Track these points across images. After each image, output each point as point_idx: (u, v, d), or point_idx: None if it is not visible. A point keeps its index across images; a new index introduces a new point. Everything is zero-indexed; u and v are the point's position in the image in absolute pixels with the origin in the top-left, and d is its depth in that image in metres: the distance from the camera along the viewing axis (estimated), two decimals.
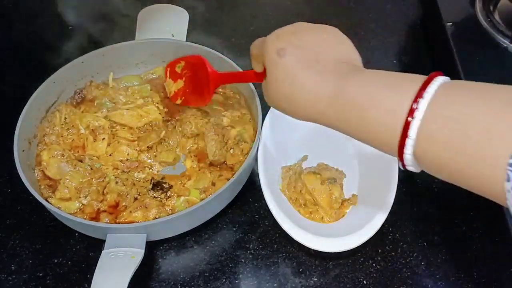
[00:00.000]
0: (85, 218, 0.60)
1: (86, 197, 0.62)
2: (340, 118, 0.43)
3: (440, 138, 0.36)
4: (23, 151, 0.64)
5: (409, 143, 0.37)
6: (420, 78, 0.38)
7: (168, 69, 0.74)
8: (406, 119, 0.37)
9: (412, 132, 0.37)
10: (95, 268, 0.54)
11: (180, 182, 0.65)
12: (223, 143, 0.67)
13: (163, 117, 0.71)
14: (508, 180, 0.32)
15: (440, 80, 0.37)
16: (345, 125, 0.43)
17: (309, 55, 0.45)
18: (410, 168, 0.40)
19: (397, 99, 0.38)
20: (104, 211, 0.62)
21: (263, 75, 0.51)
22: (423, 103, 0.36)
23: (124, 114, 0.69)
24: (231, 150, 0.67)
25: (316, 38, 0.46)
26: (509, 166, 0.32)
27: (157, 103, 0.72)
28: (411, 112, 0.37)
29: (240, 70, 0.70)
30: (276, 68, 0.46)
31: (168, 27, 0.79)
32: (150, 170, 0.66)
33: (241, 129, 0.69)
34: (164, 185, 0.65)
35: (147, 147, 0.67)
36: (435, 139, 0.36)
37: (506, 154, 0.32)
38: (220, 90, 0.75)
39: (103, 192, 0.64)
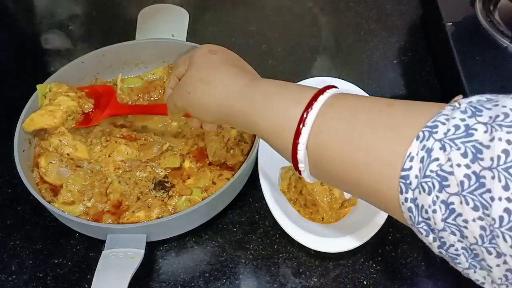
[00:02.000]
0: (89, 220, 0.60)
1: (90, 199, 0.62)
2: (247, 102, 0.45)
3: (331, 126, 0.38)
4: (24, 151, 0.64)
5: (305, 131, 0.39)
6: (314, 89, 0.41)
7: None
8: (306, 109, 0.39)
9: (309, 120, 0.39)
10: (95, 269, 0.54)
11: (181, 181, 0.65)
12: (223, 144, 0.67)
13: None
14: (402, 193, 0.32)
15: (330, 92, 0.40)
16: (249, 110, 0.45)
17: (234, 61, 0.52)
18: (301, 166, 0.41)
19: (301, 92, 0.41)
20: (108, 211, 0.62)
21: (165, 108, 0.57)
22: (321, 98, 0.39)
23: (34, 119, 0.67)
24: (231, 150, 0.67)
25: (238, 57, 0.54)
26: (401, 178, 0.32)
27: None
28: (310, 102, 0.39)
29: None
30: (203, 57, 0.50)
31: (168, 27, 0.79)
32: (152, 169, 0.66)
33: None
34: (166, 184, 0.65)
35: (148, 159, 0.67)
36: (327, 127, 0.38)
37: (396, 174, 0.32)
38: None
39: (106, 193, 0.64)
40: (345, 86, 0.71)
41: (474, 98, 0.32)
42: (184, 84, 0.51)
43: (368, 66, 0.85)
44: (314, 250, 0.59)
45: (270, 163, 0.65)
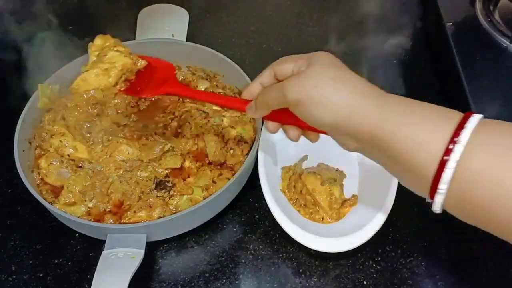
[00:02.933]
0: (90, 220, 0.60)
1: (91, 199, 0.62)
2: (376, 117, 0.41)
3: (481, 168, 0.34)
4: (23, 151, 0.64)
5: (448, 172, 0.35)
6: (454, 116, 0.37)
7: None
8: (448, 145, 0.35)
9: (453, 157, 0.35)
10: (95, 269, 0.54)
11: (182, 180, 0.65)
12: (223, 144, 0.67)
13: (133, 61, 0.67)
14: None
15: (475, 119, 0.36)
16: (377, 122, 0.41)
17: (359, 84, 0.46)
18: (437, 202, 0.39)
19: (436, 121, 0.37)
20: (109, 211, 0.62)
21: (244, 102, 0.52)
22: (466, 131, 0.35)
23: (87, 79, 0.64)
24: (231, 150, 0.67)
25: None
26: None
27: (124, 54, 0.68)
28: (452, 138, 0.35)
29: (239, 68, 0.70)
30: (333, 59, 0.46)
31: (168, 27, 0.79)
32: (153, 168, 0.66)
33: (241, 129, 0.69)
34: (167, 183, 0.65)
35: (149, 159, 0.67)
36: (476, 168, 0.34)
37: None
38: (220, 90, 0.75)
39: (107, 193, 0.64)
40: None
41: None
42: (306, 77, 0.44)
43: (368, 66, 0.85)
44: (314, 250, 0.59)
45: (270, 163, 0.65)
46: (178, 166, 0.66)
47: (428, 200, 0.39)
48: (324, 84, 0.43)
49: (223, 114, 0.70)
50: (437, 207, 0.39)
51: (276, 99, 0.47)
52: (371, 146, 0.42)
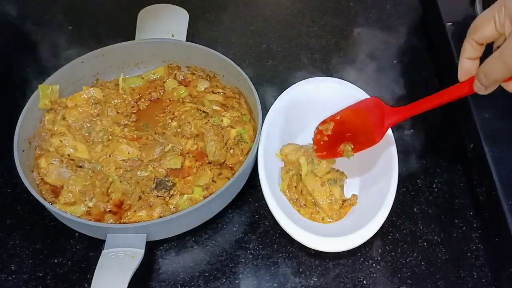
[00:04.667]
0: (90, 220, 0.60)
1: (91, 199, 0.62)
2: None
3: None
4: (23, 151, 0.64)
5: None
6: None
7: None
8: None
9: None
10: (95, 268, 0.54)
11: (182, 179, 0.65)
12: (223, 144, 0.67)
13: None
14: None
15: None
16: None
17: None
18: None
19: None
20: (109, 211, 0.62)
21: (467, 84, 0.48)
22: None
23: None
24: (231, 150, 0.67)
25: None
26: None
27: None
28: None
29: (239, 68, 0.70)
30: None
31: (168, 27, 0.79)
32: (153, 168, 0.66)
33: (241, 129, 0.69)
34: (167, 183, 0.65)
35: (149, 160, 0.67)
36: None
37: None
38: (220, 90, 0.75)
39: (107, 192, 0.64)
40: (345, 86, 0.71)
41: None
42: None
43: (368, 66, 0.85)
44: (314, 250, 0.59)
45: (270, 163, 0.65)
46: (179, 166, 0.66)
47: None
48: None
49: (222, 114, 0.70)
50: None
51: (503, 71, 0.43)
52: None
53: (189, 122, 0.69)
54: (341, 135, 0.65)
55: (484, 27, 0.44)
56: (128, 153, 0.67)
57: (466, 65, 0.48)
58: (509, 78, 0.46)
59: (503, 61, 0.43)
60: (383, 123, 0.59)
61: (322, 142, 0.67)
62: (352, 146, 0.63)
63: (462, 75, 0.49)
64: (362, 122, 0.63)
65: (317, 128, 0.69)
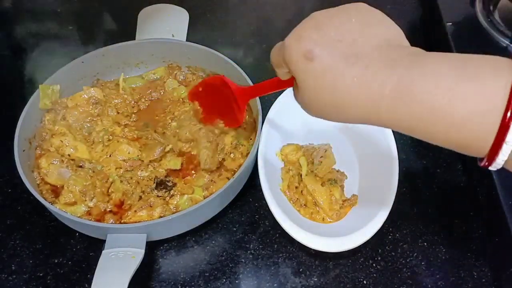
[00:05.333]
0: (91, 220, 0.60)
1: (92, 199, 0.62)
2: (403, 118, 0.34)
3: None
4: (24, 151, 0.64)
5: (506, 148, 0.31)
6: (503, 64, 0.32)
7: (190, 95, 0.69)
8: (504, 120, 0.31)
9: (509, 137, 0.31)
10: (95, 268, 0.54)
11: (182, 179, 0.65)
12: (217, 151, 0.67)
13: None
14: None
15: None
16: (409, 125, 0.35)
17: (344, 49, 0.36)
18: (494, 167, 0.34)
19: (485, 94, 0.31)
20: (110, 211, 0.62)
21: (292, 80, 0.43)
22: None
23: None
24: (231, 154, 0.67)
25: (345, 26, 0.37)
26: None
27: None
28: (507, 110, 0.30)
29: (239, 68, 0.70)
30: (308, 75, 0.37)
31: (168, 27, 0.79)
32: (153, 168, 0.66)
33: (235, 133, 0.68)
34: (167, 183, 0.65)
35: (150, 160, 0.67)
36: None
37: None
38: None
39: (107, 192, 0.64)
40: None
41: None
42: (309, 111, 0.40)
43: None
44: (314, 250, 0.59)
45: (270, 163, 0.65)
46: (178, 167, 0.66)
47: (480, 161, 0.35)
48: (329, 115, 0.39)
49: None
50: (497, 166, 0.34)
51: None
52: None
53: (184, 126, 0.69)
54: (210, 105, 0.65)
55: (279, 68, 0.44)
56: (129, 153, 0.67)
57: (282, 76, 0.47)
58: None
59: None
60: (236, 102, 0.58)
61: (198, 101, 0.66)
62: (223, 122, 0.65)
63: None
64: (219, 99, 0.62)
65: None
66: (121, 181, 0.64)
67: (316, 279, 0.60)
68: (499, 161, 0.33)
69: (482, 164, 0.34)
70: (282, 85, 0.50)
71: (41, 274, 0.61)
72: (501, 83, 0.31)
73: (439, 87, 0.32)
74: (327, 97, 0.37)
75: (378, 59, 0.35)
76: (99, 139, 0.68)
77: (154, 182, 0.65)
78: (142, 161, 0.67)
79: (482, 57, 0.33)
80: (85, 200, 0.62)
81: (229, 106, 0.60)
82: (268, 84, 0.53)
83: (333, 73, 0.36)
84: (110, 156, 0.67)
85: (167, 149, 0.67)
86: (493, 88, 0.31)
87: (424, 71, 0.33)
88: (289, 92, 0.70)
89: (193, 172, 0.66)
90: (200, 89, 0.66)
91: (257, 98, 0.67)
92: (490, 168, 0.34)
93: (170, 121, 0.72)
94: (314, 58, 0.36)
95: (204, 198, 0.61)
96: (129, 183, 0.64)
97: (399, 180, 0.62)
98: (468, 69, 0.32)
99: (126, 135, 0.69)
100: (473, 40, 0.77)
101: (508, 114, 0.30)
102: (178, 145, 0.68)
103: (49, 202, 0.60)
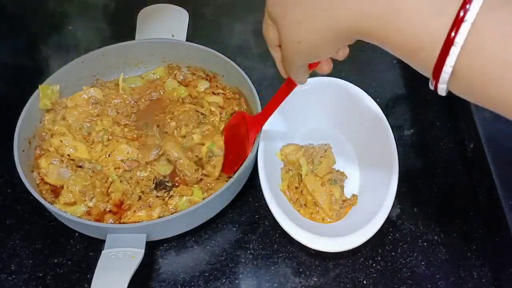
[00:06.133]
0: (90, 220, 0.60)
1: (91, 199, 0.62)
2: (367, 13, 0.37)
3: (494, 45, 0.31)
4: (23, 151, 0.64)
5: (454, 51, 0.32)
6: None
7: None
8: (453, 23, 0.32)
9: (460, 38, 0.31)
10: (95, 268, 0.54)
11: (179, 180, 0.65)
12: (195, 166, 0.66)
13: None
14: None
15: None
16: (371, 22, 0.37)
17: None
18: (442, 86, 0.36)
19: (439, 5, 0.33)
20: (109, 211, 0.62)
21: (290, 81, 0.53)
22: (474, 5, 0.31)
23: None
24: (204, 169, 0.66)
25: None
26: None
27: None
28: (459, 12, 0.31)
29: (239, 68, 0.70)
30: (283, 5, 0.42)
31: (168, 27, 0.79)
32: (152, 168, 0.66)
33: (211, 144, 0.67)
34: (167, 183, 0.65)
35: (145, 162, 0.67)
36: (488, 46, 0.31)
37: None
38: (220, 91, 0.75)
39: (107, 192, 0.64)
40: (345, 87, 0.71)
41: None
42: (287, 38, 0.43)
43: (368, 66, 0.85)
44: (314, 250, 0.59)
45: (270, 163, 0.65)
46: (168, 173, 0.66)
47: (431, 84, 0.37)
48: (304, 33, 0.41)
49: (193, 131, 0.69)
50: (442, 91, 0.36)
51: (297, 67, 0.48)
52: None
53: (180, 129, 0.69)
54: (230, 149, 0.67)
55: (268, 33, 0.47)
56: (127, 153, 0.67)
57: (281, 68, 0.52)
58: (312, 65, 0.50)
59: (288, 65, 0.47)
60: (248, 134, 0.64)
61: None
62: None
63: (284, 75, 0.53)
64: (235, 139, 0.67)
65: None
66: (120, 181, 0.64)
67: (316, 279, 0.60)
68: (447, 69, 0.33)
69: (431, 81, 0.36)
70: (287, 89, 0.57)
71: (40, 274, 0.61)
72: None
73: (389, 4, 0.35)
74: (301, 8, 0.40)
75: None
76: (99, 138, 0.68)
77: (153, 183, 0.65)
78: (140, 162, 0.67)
79: None
80: (85, 200, 0.62)
81: (241, 143, 0.65)
82: (276, 97, 0.60)
83: None
84: (109, 156, 0.67)
85: (161, 152, 0.67)
86: None
87: None
88: None
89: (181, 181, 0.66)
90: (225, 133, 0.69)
91: (257, 98, 0.67)
92: (439, 85, 0.35)
93: (169, 120, 0.71)
94: None
95: (204, 199, 0.61)
96: (128, 183, 0.64)
97: (399, 180, 0.62)
98: None
99: (126, 135, 0.69)
100: None
101: (461, 13, 0.31)
102: (167, 153, 0.68)
103: (49, 202, 0.60)
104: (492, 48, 0.31)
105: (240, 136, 0.66)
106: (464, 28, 0.31)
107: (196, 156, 0.67)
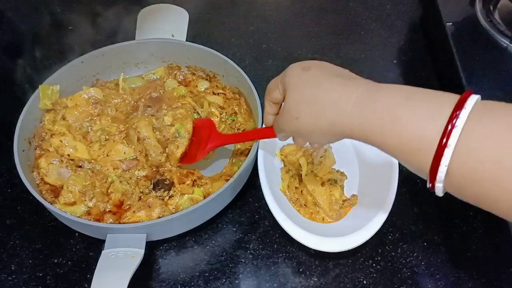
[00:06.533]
0: (90, 220, 0.60)
1: (91, 199, 0.62)
2: (366, 118, 0.41)
3: (482, 147, 0.34)
4: (23, 151, 0.64)
5: (447, 152, 0.35)
6: (452, 95, 0.37)
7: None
8: (446, 127, 0.35)
9: (452, 140, 0.35)
10: (95, 268, 0.54)
11: (178, 174, 0.66)
12: (161, 149, 0.67)
13: None
14: None
15: (471, 103, 0.36)
16: (370, 127, 0.41)
17: (333, 71, 0.47)
18: (438, 185, 0.38)
19: (435, 106, 0.37)
20: (109, 211, 0.62)
21: (271, 130, 0.55)
22: (464, 113, 0.35)
23: None
24: (167, 149, 0.67)
25: (335, 66, 0.49)
26: None
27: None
28: (451, 118, 0.35)
29: (239, 68, 0.70)
30: (299, 78, 0.47)
31: (168, 27, 0.79)
32: (150, 168, 0.66)
33: (179, 125, 0.68)
34: (165, 182, 0.65)
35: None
36: (477, 148, 0.34)
37: None
38: (220, 91, 0.75)
39: (107, 192, 0.64)
40: None
41: None
42: (289, 110, 0.47)
43: (368, 66, 0.85)
44: (314, 250, 0.59)
45: (270, 163, 0.65)
46: (143, 174, 0.66)
47: (429, 184, 0.39)
48: (302, 113, 0.46)
49: (164, 111, 0.71)
50: (439, 190, 0.39)
51: (284, 133, 0.52)
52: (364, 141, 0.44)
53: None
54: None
55: (273, 91, 0.51)
56: (124, 153, 0.67)
57: (268, 120, 0.55)
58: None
59: (277, 125, 0.52)
60: (206, 144, 0.66)
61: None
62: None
63: (267, 125, 0.56)
64: (197, 137, 0.68)
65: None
66: (120, 181, 0.64)
67: (316, 279, 0.60)
68: (442, 168, 0.36)
69: (428, 182, 0.38)
70: (260, 136, 0.61)
71: (40, 274, 0.61)
72: (449, 101, 0.36)
73: (399, 97, 0.40)
74: (308, 92, 0.45)
75: (356, 78, 0.46)
76: (96, 138, 0.68)
77: (151, 183, 0.65)
78: (138, 160, 0.67)
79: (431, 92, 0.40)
80: (85, 200, 0.62)
81: (198, 145, 0.67)
82: (245, 135, 0.65)
83: (320, 78, 0.46)
84: (107, 156, 0.67)
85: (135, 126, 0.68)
86: (441, 103, 0.37)
87: (378, 94, 0.41)
88: None
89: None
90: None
91: (257, 98, 0.67)
92: (436, 184, 0.38)
93: (164, 110, 0.71)
94: (310, 68, 0.47)
95: (204, 198, 0.61)
96: (128, 183, 0.64)
97: (399, 180, 0.62)
98: (412, 101, 0.39)
99: (121, 130, 0.69)
100: (473, 40, 0.77)
101: (453, 120, 0.35)
102: (137, 129, 0.68)
103: (49, 202, 0.60)
104: (481, 150, 0.34)
105: (200, 138, 0.67)
106: (455, 133, 0.34)
107: (164, 136, 0.68)
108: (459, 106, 0.35)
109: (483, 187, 0.35)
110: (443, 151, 0.35)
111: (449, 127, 0.35)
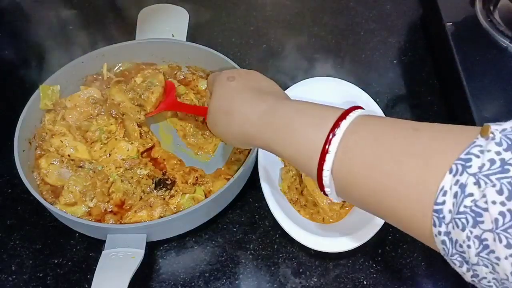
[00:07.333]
0: (91, 220, 0.60)
1: (92, 199, 0.62)
2: (268, 130, 0.46)
3: (356, 153, 0.38)
4: (24, 151, 0.64)
5: (329, 158, 0.39)
6: (340, 110, 0.41)
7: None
8: (328, 136, 0.39)
9: (332, 147, 0.39)
10: (95, 269, 0.54)
11: (181, 172, 0.66)
12: (137, 108, 0.70)
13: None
14: (435, 226, 0.32)
15: (353, 115, 0.40)
16: (271, 137, 0.46)
17: (253, 84, 0.52)
18: (327, 190, 0.41)
19: (321, 119, 0.41)
20: (110, 211, 0.62)
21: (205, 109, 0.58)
22: (344, 123, 0.39)
23: None
24: (143, 96, 0.70)
25: (259, 77, 0.54)
26: (435, 212, 0.32)
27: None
28: (333, 128, 0.39)
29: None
30: (222, 87, 0.52)
31: (168, 27, 0.79)
32: (152, 166, 0.66)
33: (151, 78, 0.72)
34: (166, 181, 0.65)
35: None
36: (352, 153, 0.38)
37: (427, 205, 0.32)
38: None
39: (108, 192, 0.64)
40: (345, 87, 0.71)
41: (508, 125, 0.31)
42: (210, 115, 0.53)
43: (368, 66, 0.85)
44: (314, 250, 0.59)
45: (270, 163, 0.65)
46: (145, 173, 0.67)
47: (321, 190, 0.43)
48: (218, 120, 0.51)
49: (136, 75, 0.74)
50: (331, 196, 0.42)
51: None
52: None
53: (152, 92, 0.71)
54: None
55: (208, 88, 0.58)
56: (128, 150, 0.67)
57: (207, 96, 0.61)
58: None
59: (207, 122, 0.55)
60: (164, 101, 0.72)
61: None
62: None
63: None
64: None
65: None
66: (122, 181, 0.64)
67: (316, 280, 0.60)
68: (326, 173, 0.40)
69: (320, 189, 0.42)
70: (197, 112, 0.70)
71: (41, 275, 0.61)
72: (336, 112, 0.41)
73: (294, 109, 0.45)
74: (226, 104, 0.50)
75: (268, 93, 0.50)
76: (96, 137, 0.68)
77: (152, 182, 0.65)
78: (141, 159, 0.67)
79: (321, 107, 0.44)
80: (85, 201, 0.62)
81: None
82: (194, 107, 0.72)
83: (239, 90, 0.51)
84: (109, 155, 0.67)
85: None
86: (329, 113, 0.41)
87: (278, 108, 0.46)
88: (289, 91, 0.70)
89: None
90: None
91: None
92: (325, 189, 0.41)
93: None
94: (234, 79, 0.52)
95: (206, 197, 0.61)
96: (129, 183, 0.64)
97: None
98: (306, 117, 0.43)
99: (115, 116, 0.70)
100: (473, 40, 0.76)
101: (335, 129, 0.39)
102: (111, 97, 0.71)
103: (49, 203, 0.60)
104: (355, 156, 0.38)
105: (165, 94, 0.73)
106: (335, 140, 0.39)
107: (137, 93, 0.70)
108: (341, 118, 0.39)
109: (362, 190, 0.38)
110: (325, 157, 0.39)
111: (331, 136, 0.39)
